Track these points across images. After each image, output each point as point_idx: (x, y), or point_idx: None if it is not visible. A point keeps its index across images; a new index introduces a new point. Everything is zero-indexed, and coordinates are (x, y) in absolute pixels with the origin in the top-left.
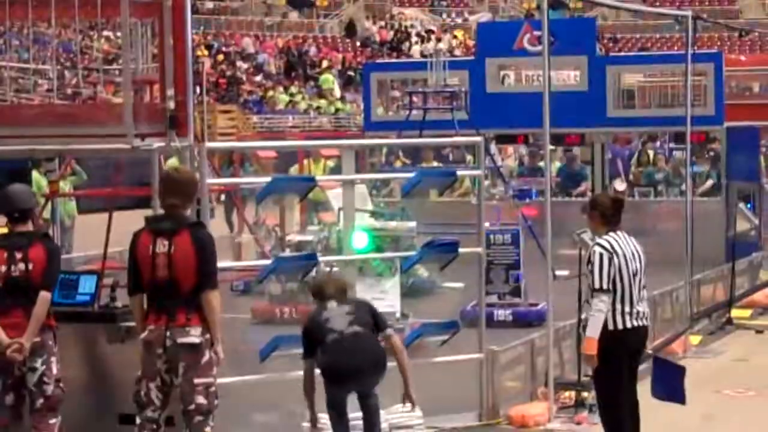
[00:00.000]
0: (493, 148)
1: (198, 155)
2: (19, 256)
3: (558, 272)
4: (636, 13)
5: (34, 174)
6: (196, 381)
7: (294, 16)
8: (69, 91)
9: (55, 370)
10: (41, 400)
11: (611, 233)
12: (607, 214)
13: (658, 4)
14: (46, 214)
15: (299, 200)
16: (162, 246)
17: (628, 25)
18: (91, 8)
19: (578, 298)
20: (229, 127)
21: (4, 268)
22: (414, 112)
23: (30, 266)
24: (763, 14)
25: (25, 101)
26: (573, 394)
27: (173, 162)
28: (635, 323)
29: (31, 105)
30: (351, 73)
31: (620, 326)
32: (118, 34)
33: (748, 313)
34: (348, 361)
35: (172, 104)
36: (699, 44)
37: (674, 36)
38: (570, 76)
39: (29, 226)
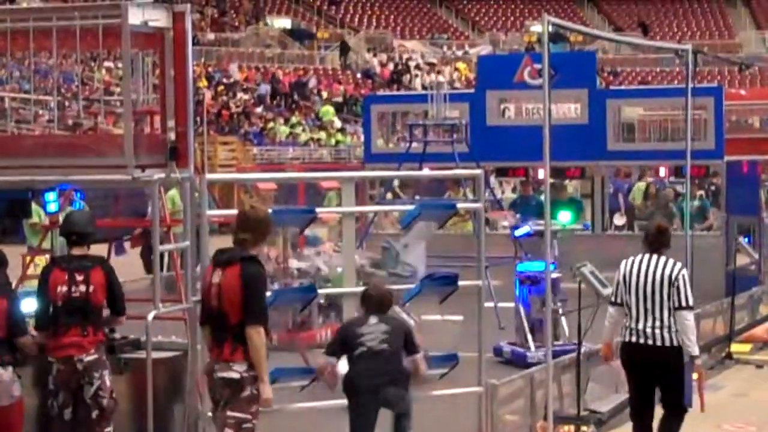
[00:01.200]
0: (492, 180)
1: (198, 187)
2: (80, 278)
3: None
4: (636, 46)
5: (33, 205)
6: (229, 414)
7: (295, 47)
8: (70, 121)
9: (108, 383)
10: (96, 412)
11: (639, 255)
12: (650, 239)
13: (658, 38)
14: (46, 244)
15: (300, 232)
16: (217, 276)
17: (629, 58)
18: (92, 39)
19: (578, 332)
20: (230, 158)
21: (65, 289)
22: (414, 144)
23: (91, 288)
24: (763, 48)
25: (26, 131)
26: (572, 428)
27: (173, 193)
28: (633, 339)
29: (31, 135)
30: (339, 99)
31: (625, 339)
32: (119, 64)
33: (748, 347)
34: (366, 374)
35: (172, 135)
36: (699, 78)
37: (674, 70)
38: (570, 109)
39: (86, 250)
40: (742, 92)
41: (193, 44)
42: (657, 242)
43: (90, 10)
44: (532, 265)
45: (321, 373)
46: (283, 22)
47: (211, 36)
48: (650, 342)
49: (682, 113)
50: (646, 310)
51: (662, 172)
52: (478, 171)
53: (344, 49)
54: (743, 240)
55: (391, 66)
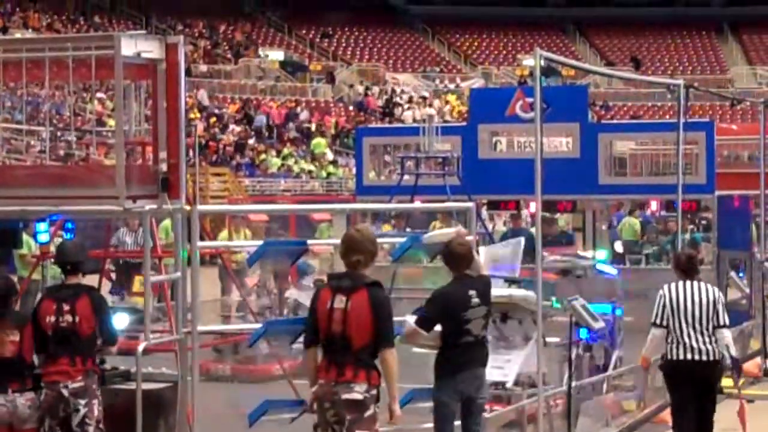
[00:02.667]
0: (484, 213)
1: (190, 218)
2: (66, 308)
3: (549, 339)
4: (628, 81)
5: (24, 235)
6: None
7: (287, 79)
8: (61, 152)
9: (96, 413)
10: None
11: (680, 282)
12: (683, 267)
13: (650, 72)
14: (36, 275)
15: (291, 264)
16: (340, 302)
17: (620, 93)
18: (85, 70)
19: (569, 366)
20: (221, 190)
21: (52, 319)
22: (406, 177)
23: (76, 318)
24: (755, 83)
25: (17, 162)
26: None
27: (167, 224)
28: (688, 356)
29: (23, 166)
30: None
31: (674, 357)
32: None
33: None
34: (472, 365)
35: (164, 166)
36: (691, 113)
37: (666, 104)
38: (562, 142)
39: (79, 279)
40: (734, 127)
41: (186, 76)
42: (691, 269)
43: (83, 41)
44: (597, 307)
45: (410, 338)
46: (276, 55)
47: (203, 68)
48: (704, 357)
49: (674, 148)
50: (695, 329)
51: (654, 206)
52: (469, 204)
53: (330, 78)
54: (734, 274)
55: (383, 99)
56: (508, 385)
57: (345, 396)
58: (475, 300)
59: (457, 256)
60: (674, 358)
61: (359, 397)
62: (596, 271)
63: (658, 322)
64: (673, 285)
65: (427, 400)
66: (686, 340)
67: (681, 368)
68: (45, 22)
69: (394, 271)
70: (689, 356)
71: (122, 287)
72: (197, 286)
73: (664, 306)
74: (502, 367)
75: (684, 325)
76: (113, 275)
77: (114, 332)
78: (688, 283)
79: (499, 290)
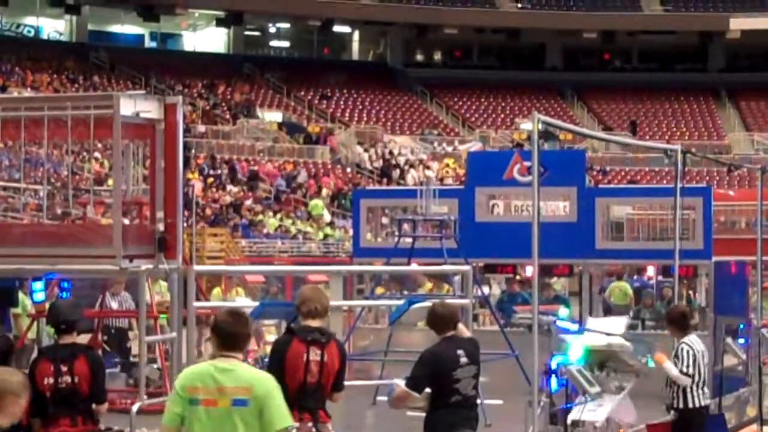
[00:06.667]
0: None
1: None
2: (64, 368)
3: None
4: (626, 145)
5: (20, 294)
6: None
7: (286, 140)
8: (58, 211)
9: None
10: None
11: (690, 336)
12: (682, 323)
13: (647, 137)
14: (32, 334)
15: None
16: (315, 354)
17: (618, 157)
18: (83, 129)
19: (564, 429)
20: (218, 250)
21: (51, 380)
22: (403, 239)
23: (76, 379)
24: (752, 150)
25: (11, 220)
26: None
27: (162, 285)
28: (707, 402)
29: (19, 224)
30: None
31: (700, 404)
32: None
33: None
34: (462, 424)
35: (161, 226)
36: (688, 178)
37: (663, 169)
38: (559, 206)
39: (74, 338)
40: (731, 193)
41: (184, 136)
42: (688, 323)
43: (82, 100)
44: None
45: (400, 401)
46: (275, 116)
47: (202, 128)
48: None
49: (671, 213)
50: (706, 376)
51: (650, 271)
52: (466, 267)
53: (308, 139)
54: (730, 340)
55: (381, 161)
56: (597, 425)
57: None
58: (464, 359)
59: (439, 318)
60: (700, 404)
61: None
62: None
63: (690, 372)
64: (691, 341)
65: None
66: (706, 389)
67: (706, 412)
68: (44, 81)
69: (390, 333)
70: (708, 401)
71: (116, 355)
72: (193, 345)
73: (693, 357)
74: (594, 410)
75: (704, 374)
76: (105, 345)
77: (104, 393)
78: (695, 336)
79: (599, 339)
